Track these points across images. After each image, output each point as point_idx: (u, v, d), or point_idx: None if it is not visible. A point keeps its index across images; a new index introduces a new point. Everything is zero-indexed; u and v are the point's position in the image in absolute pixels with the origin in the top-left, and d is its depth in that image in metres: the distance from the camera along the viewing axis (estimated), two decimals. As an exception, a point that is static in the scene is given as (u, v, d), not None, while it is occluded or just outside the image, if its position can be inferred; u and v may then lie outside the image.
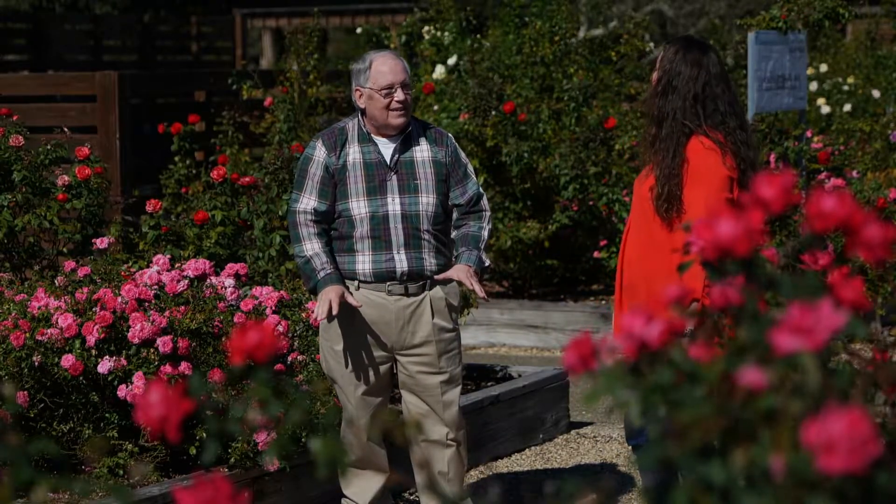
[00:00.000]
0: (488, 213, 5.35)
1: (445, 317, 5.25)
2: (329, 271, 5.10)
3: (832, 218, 1.63)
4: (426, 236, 5.18)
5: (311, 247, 5.15)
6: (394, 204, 5.16)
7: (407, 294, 5.19)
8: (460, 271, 5.14)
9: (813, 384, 1.49)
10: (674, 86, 4.96)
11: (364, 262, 5.15)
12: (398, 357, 5.26)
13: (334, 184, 5.19)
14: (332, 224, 5.21)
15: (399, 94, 5.17)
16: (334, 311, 5.01)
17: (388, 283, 5.17)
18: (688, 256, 1.70)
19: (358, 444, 5.31)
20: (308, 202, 5.19)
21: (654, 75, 5.11)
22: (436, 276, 5.19)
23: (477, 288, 5.09)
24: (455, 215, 5.31)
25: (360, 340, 5.20)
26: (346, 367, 5.22)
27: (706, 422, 1.50)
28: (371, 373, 5.23)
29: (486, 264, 5.27)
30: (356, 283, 5.18)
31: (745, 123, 5.03)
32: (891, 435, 1.67)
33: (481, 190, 5.39)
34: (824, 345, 1.50)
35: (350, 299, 5.07)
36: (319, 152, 5.22)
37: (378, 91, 5.17)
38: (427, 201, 5.19)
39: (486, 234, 5.30)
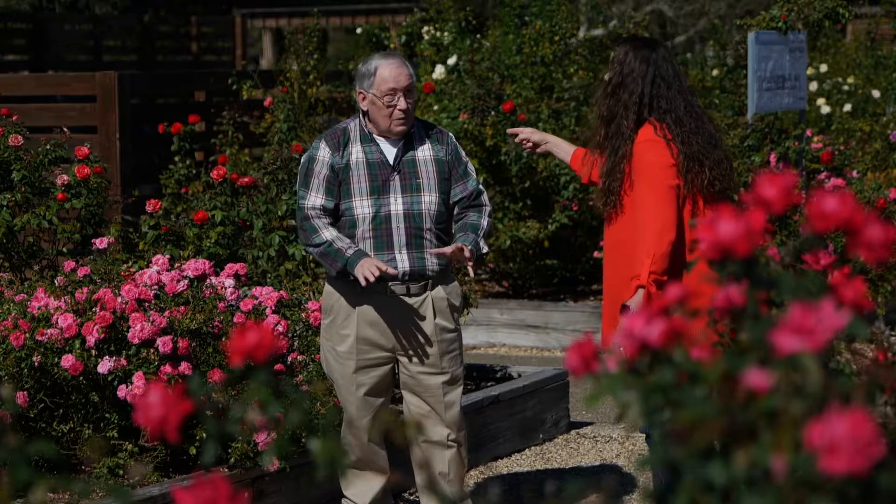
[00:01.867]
0: (488, 208, 5.35)
1: (447, 317, 5.24)
2: (356, 248, 5.08)
3: (833, 218, 1.62)
4: (428, 236, 5.17)
5: (330, 233, 5.13)
6: (396, 203, 5.15)
7: (408, 294, 5.18)
8: (455, 248, 5.10)
9: (814, 385, 1.49)
10: (624, 84, 5.05)
11: (365, 262, 5.13)
12: (399, 357, 5.25)
13: (339, 183, 5.18)
14: (336, 223, 5.21)
15: (401, 103, 5.15)
16: (383, 269, 4.96)
17: (390, 283, 5.16)
18: (694, 254, 1.69)
19: (358, 445, 5.30)
20: (316, 199, 5.18)
21: (607, 76, 5.19)
22: (432, 251, 5.15)
23: (469, 267, 5.13)
24: (456, 210, 5.30)
25: (362, 341, 5.19)
26: (348, 367, 5.21)
27: (707, 422, 1.50)
28: (372, 373, 5.22)
29: (485, 251, 5.26)
30: (357, 282, 5.17)
31: (698, 117, 5.09)
32: (893, 435, 1.66)
33: (482, 187, 5.39)
34: (825, 345, 1.49)
35: (388, 268, 5.02)
36: (324, 152, 5.21)
37: (380, 97, 5.15)
38: (430, 200, 5.19)
39: (485, 223, 5.29)
